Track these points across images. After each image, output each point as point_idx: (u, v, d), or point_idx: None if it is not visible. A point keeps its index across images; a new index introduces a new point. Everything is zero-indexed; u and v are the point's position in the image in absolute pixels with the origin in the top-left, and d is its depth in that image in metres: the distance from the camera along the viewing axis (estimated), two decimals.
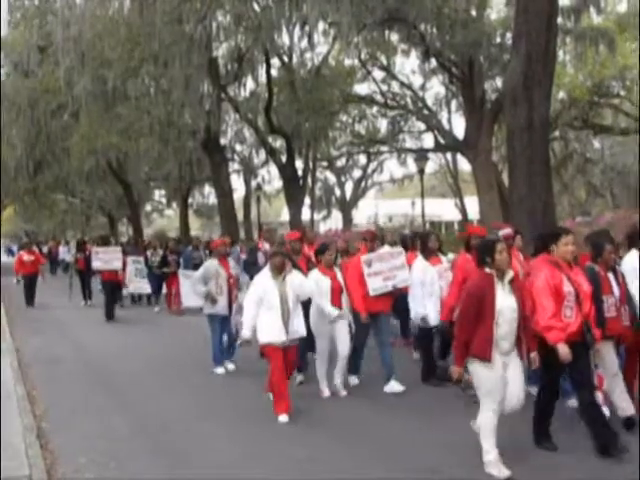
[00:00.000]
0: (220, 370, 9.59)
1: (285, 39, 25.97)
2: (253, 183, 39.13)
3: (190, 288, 14.00)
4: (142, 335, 14.07)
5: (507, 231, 8.52)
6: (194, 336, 12.20)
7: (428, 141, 34.91)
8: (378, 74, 31.06)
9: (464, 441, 5.81)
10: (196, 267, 14.92)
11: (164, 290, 17.98)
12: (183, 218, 41.43)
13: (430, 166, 35.24)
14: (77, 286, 19.96)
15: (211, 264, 9.90)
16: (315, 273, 8.13)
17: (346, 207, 48.06)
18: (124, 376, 9.71)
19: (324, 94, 27.22)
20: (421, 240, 9.03)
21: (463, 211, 40.38)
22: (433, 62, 26.25)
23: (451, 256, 10.87)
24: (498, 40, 23.71)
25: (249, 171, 39.59)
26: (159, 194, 53.47)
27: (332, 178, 47.41)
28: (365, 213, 50.71)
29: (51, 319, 16.81)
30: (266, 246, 12.55)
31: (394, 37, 25.80)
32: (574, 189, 38.11)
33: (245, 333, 7.20)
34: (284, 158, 29.22)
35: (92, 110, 25.48)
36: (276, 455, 6.07)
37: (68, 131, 29.04)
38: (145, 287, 17.89)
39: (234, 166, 39.39)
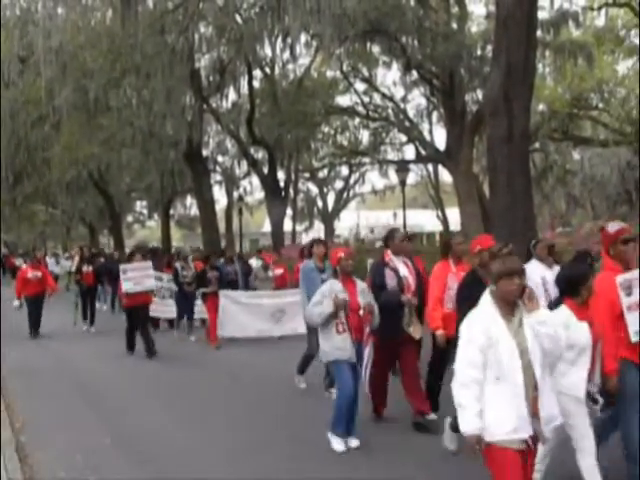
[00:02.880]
0: (339, 446, 6.38)
1: (267, 51, 26.18)
2: (235, 194, 39.17)
3: (230, 314, 13.17)
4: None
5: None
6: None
7: (409, 152, 35.20)
8: (360, 86, 31.32)
9: None
10: (231, 285, 13.60)
11: (195, 314, 14.49)
12: (165, 229, 41.29)
13: (411, 177, 35.63)
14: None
15: (333, 286, 6.53)
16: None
17: (328, 218, 48.18)
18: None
19: (306, 105, 27.35)
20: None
21: (444, 222, 40.57)
22: (414, 74, 26.45)
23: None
24: (479, 53, 23.91)
25: (231, 182, 39.58)
26: (140, 205, 53.31)
27: (314, 189, 47.59)
28: (347, 224, 50.82)
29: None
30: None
31: (376, 49, 25.98)
32: (554, 200, 38.46)
33: (473, 429, 3.79)
34: (266, 169, 29.28)
35: (74, 121, 25.38)
36: None
37: (49, 142, 28.87)
38: (170, 311, 14.70)
39: (216, 177, 39.42)
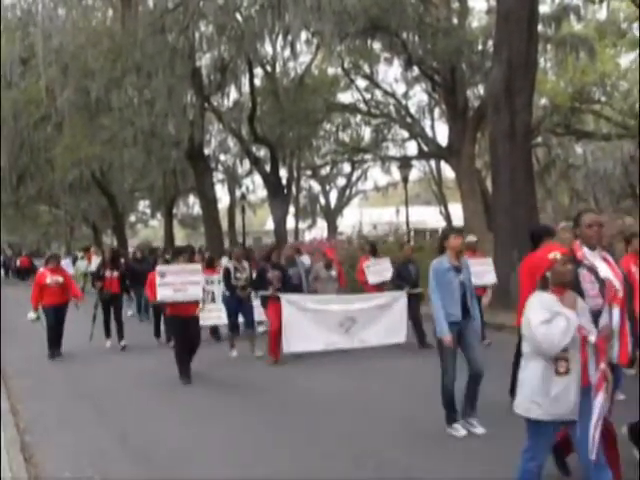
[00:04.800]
0: None
1: (268, 49, 26.16)
2: (237, 192, 39.14)
3: (295, 323, 10.74)
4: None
5: None
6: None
7: (412, 149, 35.17)
8: (361, 82, 31.29)
9: None
10: (295, 289, 11.13)
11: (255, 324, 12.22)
12: (168, 228, 41.33)
13: (414, 174, 35.48)
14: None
15: (548, 301, 4.33)
16: None
17: (331, 215, 48.12)
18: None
19: (308, 103, 27.31)
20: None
21: (447, 218, 40.52)
22: (416, 70, 26.42)
23: None
24: (480, 48, 23.87)
25: (233, 181, 39.59)
26: (143, 204, 53.40)
27: (316, 187, 47.51)
28: (350, 221, 50.78)
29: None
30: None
31: (377, 46, 25.99)
32: (557, 194, 38.37)
33: None
34: (268, 167, 29.26)
35: (75, 121, 25.41)
36: None
37: (51, 142, 28.92)
38: (220, 317, 12.21)
39: (218, 176, 39.43)
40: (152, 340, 13.53)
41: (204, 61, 25.69)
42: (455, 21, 24.35)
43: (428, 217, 47.72)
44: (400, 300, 11.46)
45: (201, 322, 10.36)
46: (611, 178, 33.42)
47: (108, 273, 13.08)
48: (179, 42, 21.64)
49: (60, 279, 12.21)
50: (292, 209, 37.23)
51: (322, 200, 48.72)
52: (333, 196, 48.53)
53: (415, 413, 7.42)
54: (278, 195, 28.77)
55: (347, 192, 48.40)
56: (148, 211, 53.65)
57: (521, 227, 14.16)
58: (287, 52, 25.34)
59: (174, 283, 9.60)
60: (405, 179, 25.09)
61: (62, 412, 8.20)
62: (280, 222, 29.09)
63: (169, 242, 37.83)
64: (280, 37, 23.48)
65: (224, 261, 14.40)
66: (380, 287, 12.57)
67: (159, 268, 10.06)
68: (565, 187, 37.72)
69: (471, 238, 11.47)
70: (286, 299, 10.81)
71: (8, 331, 14.43)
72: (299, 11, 19.90)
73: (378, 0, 21.02)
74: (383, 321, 11.32)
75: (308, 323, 10.97)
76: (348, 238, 26.14)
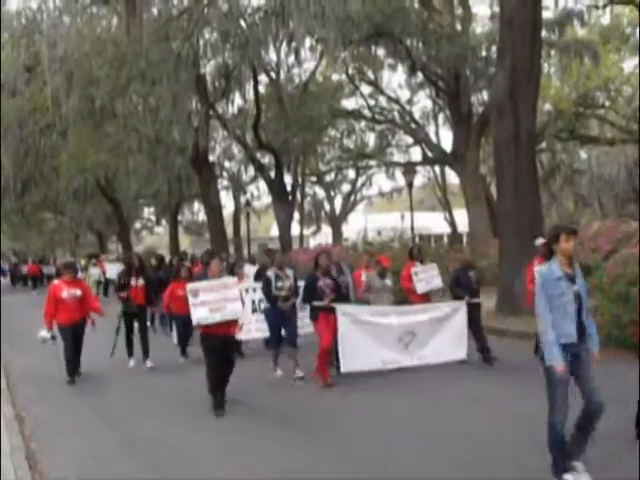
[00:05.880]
0: None
1: (272, 55, 26.23)
2: (242, 199, 39.22)
3: (352, 338, 9.45)
4: None
5: None
6: None
7: (416, 154, 35.20)
8: (365, 89, 31.34)
9: None
10: (344, 299, 9.76)
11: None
12: (173, 235, 41.40)
13: (419, 179, 35.59)
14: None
15: None
16: None
17: (335, 221, 48.13)
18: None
19: (312, 109, 27.37)
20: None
21: (452, 224, 40.50)
22: (420, 76, 26.49)
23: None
24: (483, 54, 23.93)
25: (238, 187, 39.68)
26: (148, 211, 53.49)
27: (321, 193, 47.54)
28: (355, 227, 50.78)
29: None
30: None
31: (380, 52, 26.05)
32: (562, 200, 38.38)
33: None
34: (273, 174, 29.29)
35: (80, 129, 25.49)
36: None
37: (56, 150, 29.03)
38: (261, 329, 11.02)
39: (223, 182, 39.54)
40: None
41: (208, 68, 25.79)
42: (459, 27, 24.42)
43: (433, 223, 47.74)
44: (460, 311, 10.22)
45: (243, 337, 9.42)
46: (616, 183, 33.45)
47: (133, 282, 11.52)
48: (183, 49, 21.71)
49: (78, 292, 10.40)
50: (297, 215, 37.25)
51: (327, 206, 48.74)
52: (338, 202, 48.59)
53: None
54: (283, 201, 28.79)
55: (352, 198, 48.41)
56: (153, 218, 53.73)
57: (526, 232, 14.16)
58: (291, 59, 25.50)
59: (209, 301, 8.18)
60: (410, 185, 25.04)
61: (68, 420, 8.20)
62: (285, 228, 29.11)
63: (174, 249, 37.88)
64: (284, 44, 23.59)
65: (247, 268, 13.86)
66: (427, 296, 11.38)
67: (189, 286, 8.52)
68: (570, 192, 37.76)
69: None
70: (342, 311, 9.48)
71: (15, 338, 14.46)
72: (303, 18, 19.95)
73: (382, 7, 21.08)
74: (443, 335, 10.13)
75: (365, 338, 9.67)
76: (353, 244, 26.15)
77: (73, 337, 10.24)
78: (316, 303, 9.31)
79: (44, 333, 10.15)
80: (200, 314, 8.11)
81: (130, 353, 11.49)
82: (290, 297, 9.83)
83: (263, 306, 10.70)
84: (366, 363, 9.54)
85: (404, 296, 11.84)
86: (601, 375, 5.13)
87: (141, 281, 11.56)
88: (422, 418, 7.32)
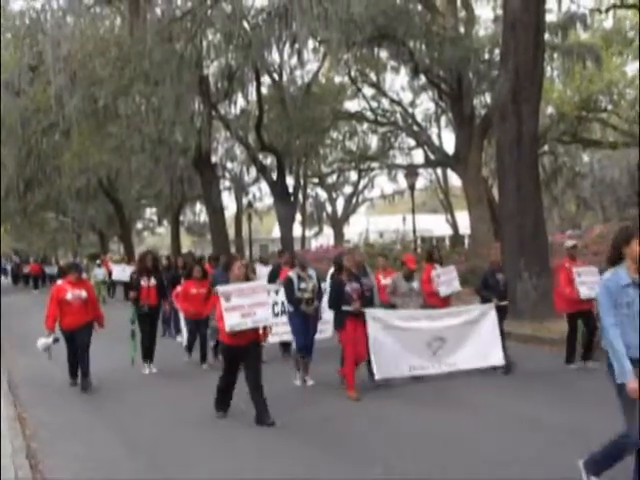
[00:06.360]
0: None
1: (275, 57, 26.19)
2: (244, 200, 39.28)
3: (382, 344, 9.06)
4: None
5: None
6: None
7: (418, 157, 35.23)
8: (368, 91, 31.38)
9: None
10: (369, 303, 9.10)
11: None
12: (174, 236, 41.42)
13: (420, 182, 35.60)
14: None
15: None
16: None
17: (337, 223, 48.17)
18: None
19: (314, 111, 27.39)
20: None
21: (454, 226, 40.53)
22: (422, 78, 26.48)
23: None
24: (486, 56, 23.91)
25: (240, 188, 39.70)
26: (150, 212, 53.57)
27: (323, 194, 47.64)
28: (356, 229, 50.84)
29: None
30: None
31: (383, 54, 26.02)
32: (564, 203, 38.38)
33: None
34: (275, 175, 29.29)
35: (83, 129, 25.46)
36: None
37: (59, 150, 29.02)
38: (285, 333, 10.28)
39: (225, 183, 39.56)
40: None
41: (211, 69, 25.79)
42: (462, 30, 24.41)
43: (434, 225, 47.79)
44: (489, 314, 9.88)
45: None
46: (618, 186, 33.44)
47: (144, 282, 10.85)
48: (187, 50, 21.71)
49: (84, 294, 9.72)
50: (299, 217, 37.29)
51: (329, 208, 48.79)
52: (340, 204, 48.67)
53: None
54: (285, 203, 28.78)
55: (354, 200, 48.46)
56: (155, 218, 53.82)
57: (528, 235, 14.17)
58: (294, 60, 25.43)
59: (241, 306, 7.60)
60: (412, 187, 25.08)
61: (69, 421, 8.21)
62: (287, 230, 29.10)
63: (176, 250, 37.92)
64: (287, 45, 23.53)
65: (258, 269, 13.46)
66: (447, 299, 10.99)
67: (221, 289, 7.78)
68: (571, 195, 37.75)
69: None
70: (371, 315, 8.99)
71: (17, 339, 14.46)
72: (306, 19, 19.94)
73: (385, 9, 21.07)
74: (473, 340, 9.78)
75: (394, 343, 9.30)
76: (355, 246, 26.15)
77: (80, 341, 9.62)
78: (345, 307, 8.75)
79: (44, 340, 9.60)
80: (233, 320, 7.51)
81: (145, 359, 10.88)
82: (314, 299, 9.30)
83: (277, 309, 10.35)
84: (395, 368, 9.25)
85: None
86: None
87: (153, 281, 10.93)
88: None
